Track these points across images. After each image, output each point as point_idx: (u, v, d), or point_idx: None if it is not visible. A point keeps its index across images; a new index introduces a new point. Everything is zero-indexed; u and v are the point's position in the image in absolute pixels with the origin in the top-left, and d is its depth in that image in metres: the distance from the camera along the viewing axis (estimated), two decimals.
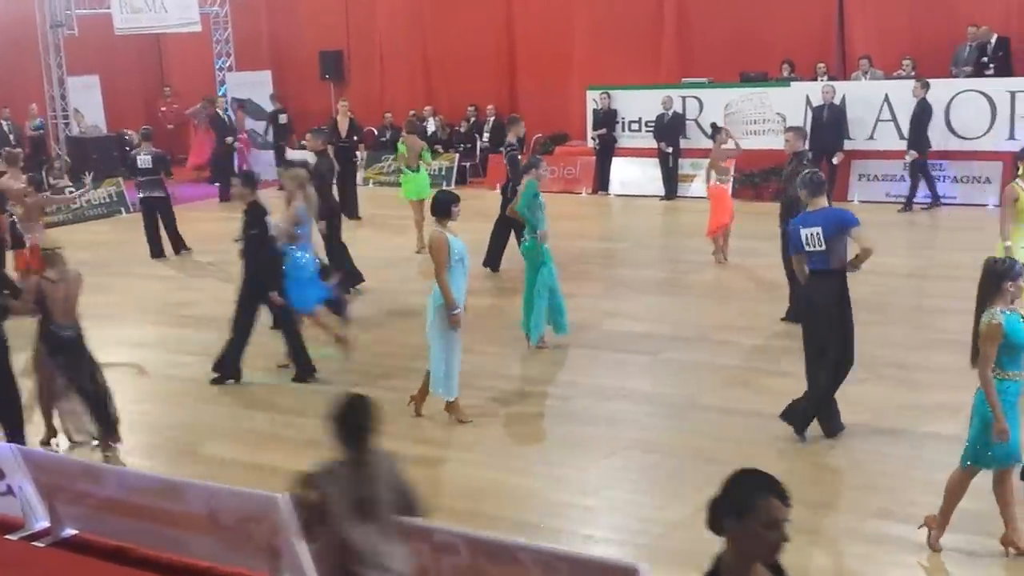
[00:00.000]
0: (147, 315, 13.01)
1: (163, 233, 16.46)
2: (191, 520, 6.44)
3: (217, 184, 21.81)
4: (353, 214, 18.64)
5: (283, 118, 23.08)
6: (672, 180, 19.62)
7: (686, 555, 6.37)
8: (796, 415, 8.11)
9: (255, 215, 10.03)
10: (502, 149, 14.39)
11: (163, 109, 26.72)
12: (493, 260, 14.14)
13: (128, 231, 18.68)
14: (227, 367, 10.20)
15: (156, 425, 9.33)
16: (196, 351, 11.13)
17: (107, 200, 20.64)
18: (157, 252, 16.45)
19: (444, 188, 9.16)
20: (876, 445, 7.84)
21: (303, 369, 10.20)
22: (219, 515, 6.33)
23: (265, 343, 11.15)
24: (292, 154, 17.63)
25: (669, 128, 19.47)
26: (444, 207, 8.58)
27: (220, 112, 22.66)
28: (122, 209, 20.59)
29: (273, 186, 23.13)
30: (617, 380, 9.69)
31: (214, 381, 10.13)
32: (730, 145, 14.54)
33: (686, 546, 6.55)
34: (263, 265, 10.04)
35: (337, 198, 18.08)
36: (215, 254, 15.68)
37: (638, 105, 20.34)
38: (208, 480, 6.90)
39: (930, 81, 17.38)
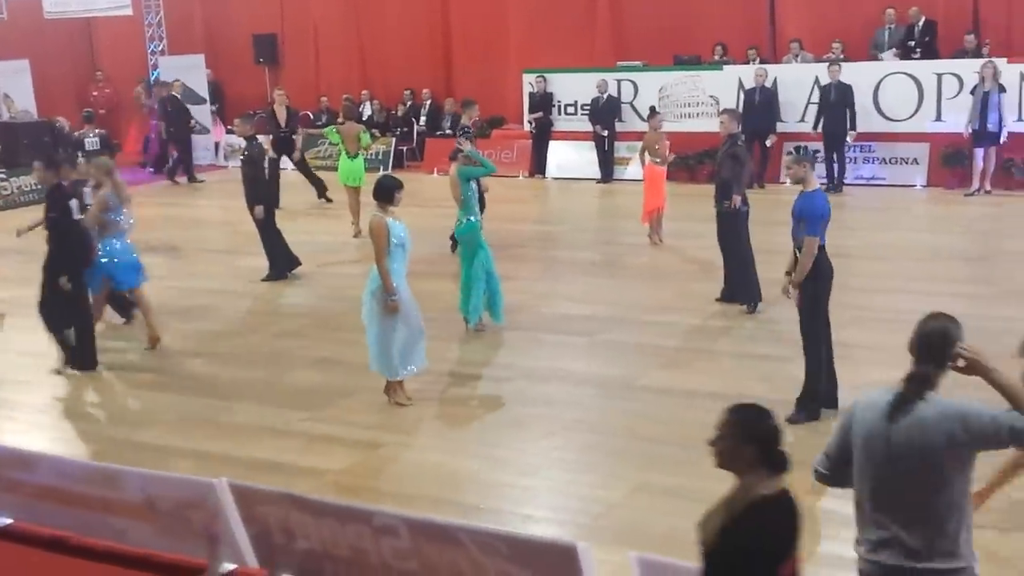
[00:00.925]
0: None
1: None
2: (128, 507, 6.38)
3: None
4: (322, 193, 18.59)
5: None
6: (608, 163, 19.74)
7: (625, 534, 6.47)
8: (807, 403, 8.00)
9: (54, 198, 9.85)
10: (458, 133, 14.33)
11: (95, 94, 26.29)
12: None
13: None
14: (81, 358, 10.06)
15: (92, 413, 9.24)
16: (131, 338, 11.02)
17: (40, 186, 20.25)
18: None
19: (387, 173, 9.06)
20: (814, 423, 7.97)
21: (83, 360, 10.03)
22: (156, 502, 6.28)
23: (182, 328, 11.11)
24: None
25: (604, 111, 19.58)
26: (387, 193, 8.54)
27: (176, 96, 22.36)
28: None
29: (209, 171, 23.05)
30: (555, 362, 9.76)
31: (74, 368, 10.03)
32: (663, 129, 14.65)
33: (625, 525, 6.65)
34: (63, 249, 9.80)
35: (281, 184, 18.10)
36: (165, 240, 15.49)
37: (574, 88, 20.43)
38: (144, 467, 6.85)
39: (858, 64, 17.68)
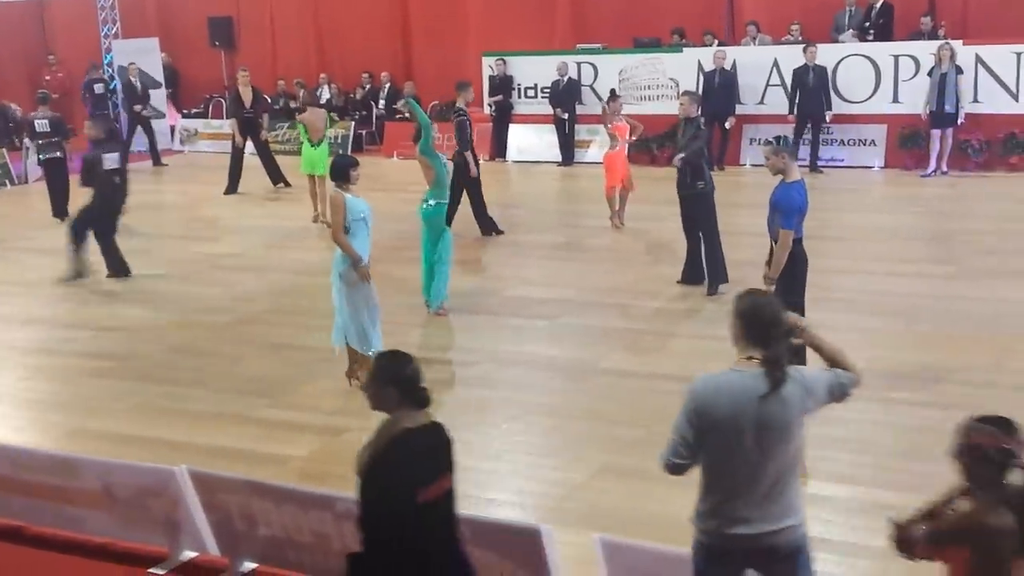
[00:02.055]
0: (34, 289, 12.64)
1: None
2: (86, 496, 6.32)
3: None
4: (279, 179, 18.40)
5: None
6: (569, 146, 19.72)
7: (588, 516, 6.46)
8: None
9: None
10: (453, 116, 14.31)
11: (47, 78, 25.88)
12: (488, 224, 14.16)
13: (13, 204, 18.16)
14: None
15: (48, 402, 9.10)
16: (86, 325, 10.88)
17: None
18: (61, 211, 16.23)
19: (341, 153, 9.03)
20: None
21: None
22: (115, 490, 6.22)
23: (139, 314, 11.01)
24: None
25: (565, 94, 19.54)
26: (342, 171, 8.51)
27: (132, 79, 22.06)
28: (7, 182, 19.93)
29: (164, 156, 22.79)
30: (517, 345, 9.74)
31: None
32: (623, 112, 14.60)
33: (587, 508, 6.65)
34: None
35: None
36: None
37: (534, 71, 20.36)
38: (103, 456, 6.77)
39: (817, 46, 17.73)
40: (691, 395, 4.30)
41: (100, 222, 12.72)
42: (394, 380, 4.21)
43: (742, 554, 4.27)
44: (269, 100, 23.41)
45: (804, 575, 4.35)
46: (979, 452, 3.83)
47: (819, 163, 17.59)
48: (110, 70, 23.02)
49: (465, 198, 13.93)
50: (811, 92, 17.50)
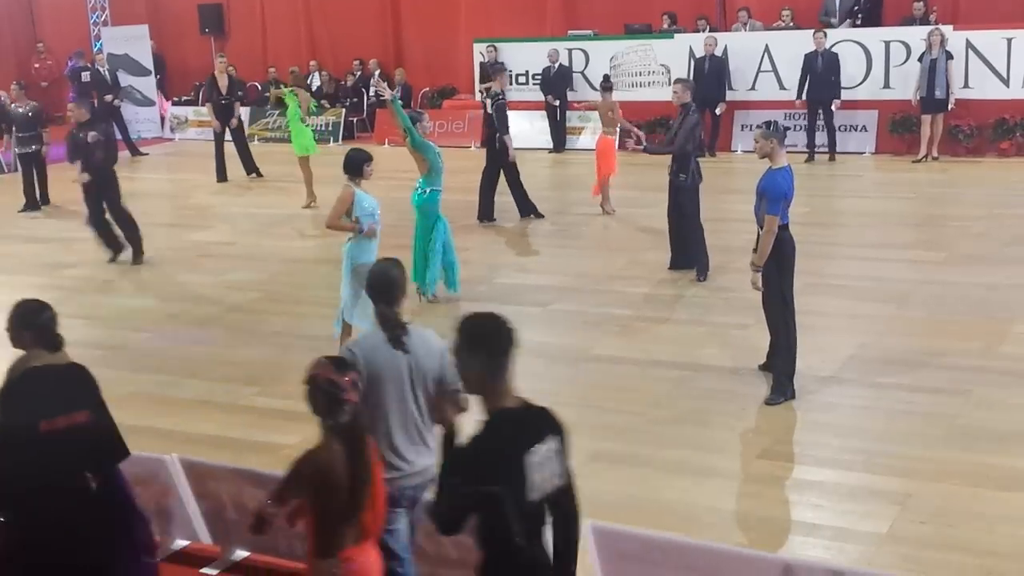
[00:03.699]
0: (25, 278, 12.61)
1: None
2: None
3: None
4: (252, 169, 18.34)
5: (86, 76, 22.32)
6: (560, 133, 19.69)
7: (580, 502, 6.46)
8: (783, 380, 7.88)
9: None
10: (487, 100, 14.42)
11: (36, 66, 25.79)
12: (528, 207, 14.23)
13: (1, 192, 18.10)
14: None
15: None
16: (76, 314, 10.85)
17: None
18: (32, 205, 16.48)
19: (356, 147, 9.14)
20: (759, 388, 8.02)
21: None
22: None
23: (129, 303, 10.98)
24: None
25: (556, 81, 19.50)
26: (356, 165, 8.54)
27: (100, 69, 21.98)
28: None
29: (154, 144, 22.72)
30: None
31: None
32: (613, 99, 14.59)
33: (580, 493, 6.64)
34: None
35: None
36: None
37: (525, 58, 20.33)
38: None
39: (807, 31, 17.72)
40: (358, 357, 4.71)
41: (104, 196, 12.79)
42: (29, 325, 4.89)
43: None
44: (259, 87, 23.38)
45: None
46: (314, 384, 4.22)
47: (820, 150, 17.51)
48: (81, 61, 22.78)
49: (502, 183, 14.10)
50: (820, 78, 17.37)
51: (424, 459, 4.83)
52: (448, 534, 3.93)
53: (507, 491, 3.67)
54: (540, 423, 3.96)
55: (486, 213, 14.08)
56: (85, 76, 22.09)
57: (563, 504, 3.96)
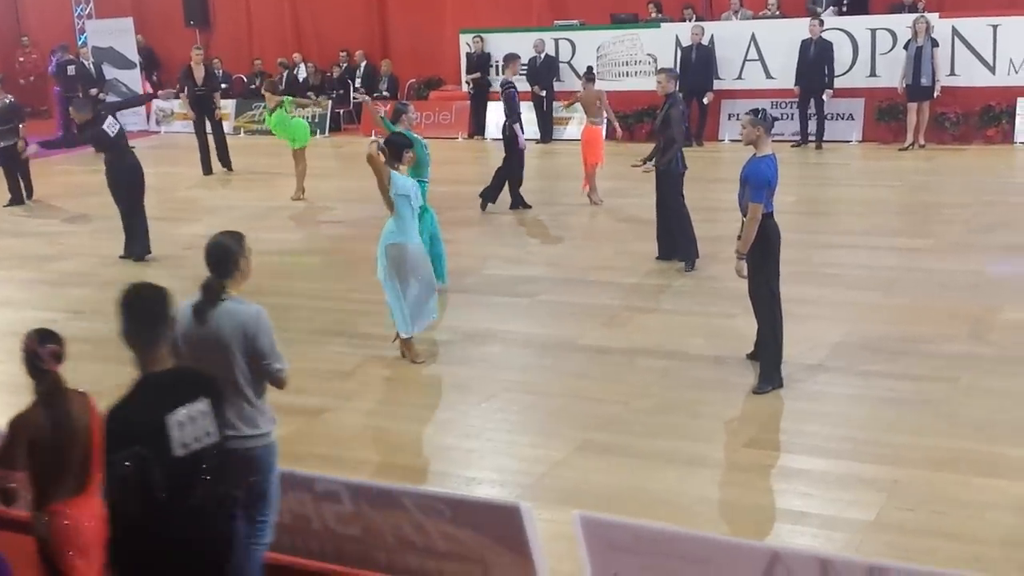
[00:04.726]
0: (11, 272, 12.57)
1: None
2: None
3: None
4: (225, 163, 18.28)
5: (71, 69, 22.22)
6: (547, 123, 19.66)
7: (567, 493, 6.49)
8: (770, 369, 7.88)
9: None
10: (499, 87, 14.50)
11: (21, 59, 25.68)
12: (517, 199, 14.25)
13: None
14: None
15: (22, 385, 8.99)
16: (61, 308, 10.82)
17: None
18: (16, 199, 16.37)
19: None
20: (746, 377, 8.04)
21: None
22: None
23: (112, 296, 10.92)
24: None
25: (542, 71, 19.47)
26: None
27: (84, 62, 21.88)
28: None
29: (140, 137, 22.65)
30: (497, 323, 9.73)
31: None
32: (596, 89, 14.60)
33: (567, 484, 6.66)
34: None
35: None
36: (82, 208, 15.24)
37: (511, 48, 20.11)
38: None
39: (792, 20, 17.71)
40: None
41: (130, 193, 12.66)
42: None
43: None
44: (244, 80, 23.29)
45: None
46: (23, 351, 4.69)
47: (810, 139, 17.56)
48: (65, 54, 22.69)
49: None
50: (810, 65, 17.38)
51: (246, 427, 5.00)
52: (123, 510, 4.12)
53: (146, 450, 4.05)
54: (189, 386, 4.31)
55: (517, 201, 14.20)
56: (71, 70, 22.02)
57: (213, 461, 4.25)
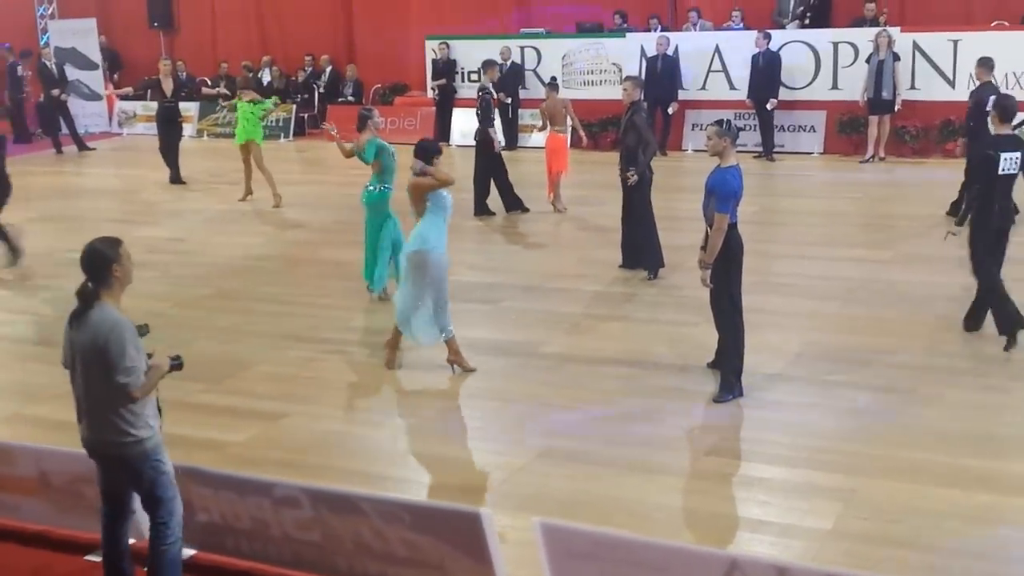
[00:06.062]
0: None
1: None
2: (21, 484, 6.24)
3: (49, 137, 21.40)
4: (176, 179, 17.88)
5: (20, 69, 22.00)
6: (512, 130, 19.68)
7: (528, 499, 6.49)
8: (731, 378, 7.90)
9: None
10: (476, 92, 14.60)
11: None
12: (513, 202, 14.31)
13: None
14: None
15: None
16: (23, 310, 10.71)
17: None
18: None
19: (428, 137, 9.34)
20: (707, 386, 8.08)
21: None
22: (50, 477, 6.15)
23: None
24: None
25: (508, 79, 19.49)
26: (428, 155, 8.49)
27: (47, 63, 21.67)
28: None
29: (102, 139, 22.45)
30: (459, 329, 9.65)
31: None
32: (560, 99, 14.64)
33: (528, 490, 6.67)
34: None
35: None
36: (40, 210, 15.07)
37: (477, 55, 20.21)
38: (39, 442, 6.68)
39: (754, 32, 17.83)
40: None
41: None
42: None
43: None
44: (209, 82, 23.10)
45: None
46: None
47: (770, 151, 17.66)
48: (10, 56, 22.48)
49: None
50: (758, 77, 17.59)
51: (92, 432, 5.25)
52: None
53: None
54: None
55: (512, 204, 14.27)
56: (20, 71, 21.87)
57: None
